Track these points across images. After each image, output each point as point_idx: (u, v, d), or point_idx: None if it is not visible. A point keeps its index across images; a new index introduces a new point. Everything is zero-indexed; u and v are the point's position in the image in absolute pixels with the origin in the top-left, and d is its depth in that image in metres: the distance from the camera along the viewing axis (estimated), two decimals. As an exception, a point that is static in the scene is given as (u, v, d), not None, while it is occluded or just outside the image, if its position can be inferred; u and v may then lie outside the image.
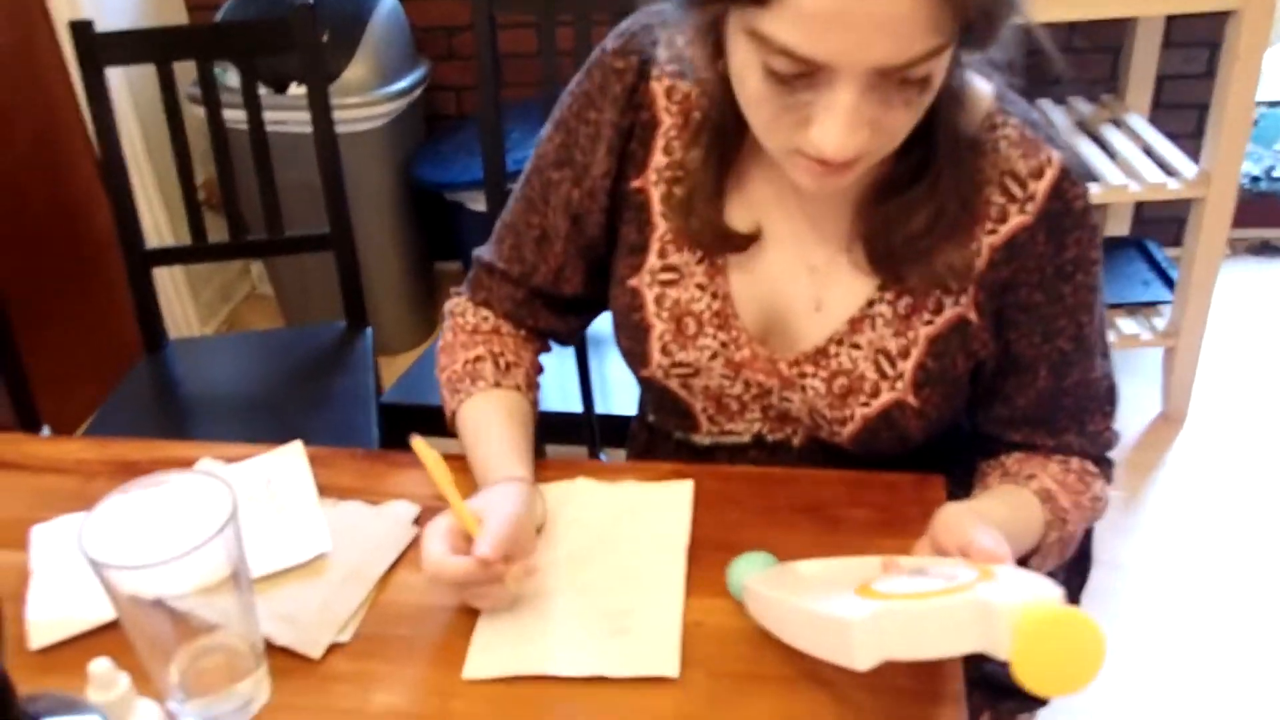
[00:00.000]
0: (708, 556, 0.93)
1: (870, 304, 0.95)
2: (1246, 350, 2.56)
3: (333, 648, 0.88)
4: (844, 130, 0.76)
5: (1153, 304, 2.37)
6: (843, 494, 1.00)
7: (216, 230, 1.81)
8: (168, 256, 1.94)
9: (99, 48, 1.64)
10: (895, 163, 0.88)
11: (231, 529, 0.76)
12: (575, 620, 0.88)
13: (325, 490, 1.04)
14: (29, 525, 1.00)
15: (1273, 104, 3.16)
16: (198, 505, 0.78)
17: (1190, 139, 2.43)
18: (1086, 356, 0.96)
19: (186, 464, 1.06)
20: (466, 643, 0.87)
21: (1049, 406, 0.98)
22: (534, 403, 1.09)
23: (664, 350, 1.01)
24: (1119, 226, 2.73)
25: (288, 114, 2.30)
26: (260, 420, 1.71)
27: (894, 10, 0.70)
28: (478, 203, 2.51)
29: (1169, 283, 2.38)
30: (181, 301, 2.76)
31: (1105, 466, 1.03)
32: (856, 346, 0.96)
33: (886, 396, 0.96)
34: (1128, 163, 2.21)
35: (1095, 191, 2.12)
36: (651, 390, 1.08)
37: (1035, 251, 0.90)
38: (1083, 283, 0.92)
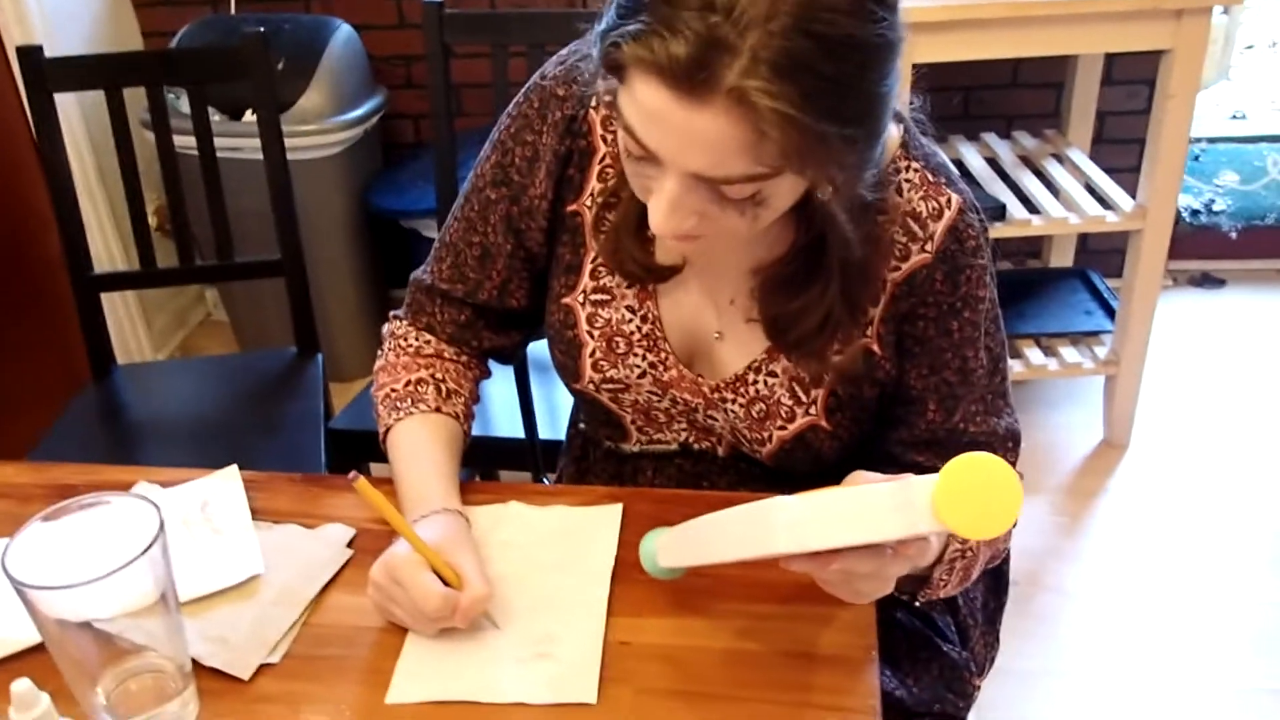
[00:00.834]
0: (632, 576, 0.94)
1: None
2: (1187, 378, 2.61)
3: (262, 669, 0.88)
4: (664, 213, 0.80)
5: (1095, 333, 2.42)
6: (773, 517, 1.02)
7: (170, 257, 1.81)
8: (116, 281, 1.94)
9: (48, 73, 1.65)
10: (786, 267, 0.92)
11: (158, 550, 0.77)
12: (499, 646, 0.89)
13: (262, 514, 1.05)
14: (-39, 548, 1.00)
15: (1213, 140, 3.25)
16: (126, 528, 0.78)
17: (1131, 173, 2.49)
18: (972, 391, 0.99)
19: (124, 488, 1.06)
20: (395, 665, 0.88)
21: (945, 438, 1.01)
22: (467, 433, 1.10)
23: (595, 366, 1.05)
24: (1063, 258, 2.78)
25: (242, 140, 2.30)
26: (207, 446, 1.71)
27: (703, 132, 0.73)
28: (433, 230, 2.52)
29: (1110, 313, 2.43)
30: (134, 327, 2.74)
31: None
32: (773, 374, 1.00)
33: (802, 421, 1.00)
34: (1069, 196, 2.26)
35: (1037, 223, 2.18)
36: (583, 401, 1.12)
37: (933, 289, 0.95)
38: (969, 319, 0.96)
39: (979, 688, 1.13)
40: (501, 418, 1.71)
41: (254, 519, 1.04)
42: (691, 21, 0.71)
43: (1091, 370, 2.35)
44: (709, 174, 0.77)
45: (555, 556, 0.98)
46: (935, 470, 1.00)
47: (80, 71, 1.72)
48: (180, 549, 0.98)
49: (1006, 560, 1.18)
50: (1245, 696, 1.82)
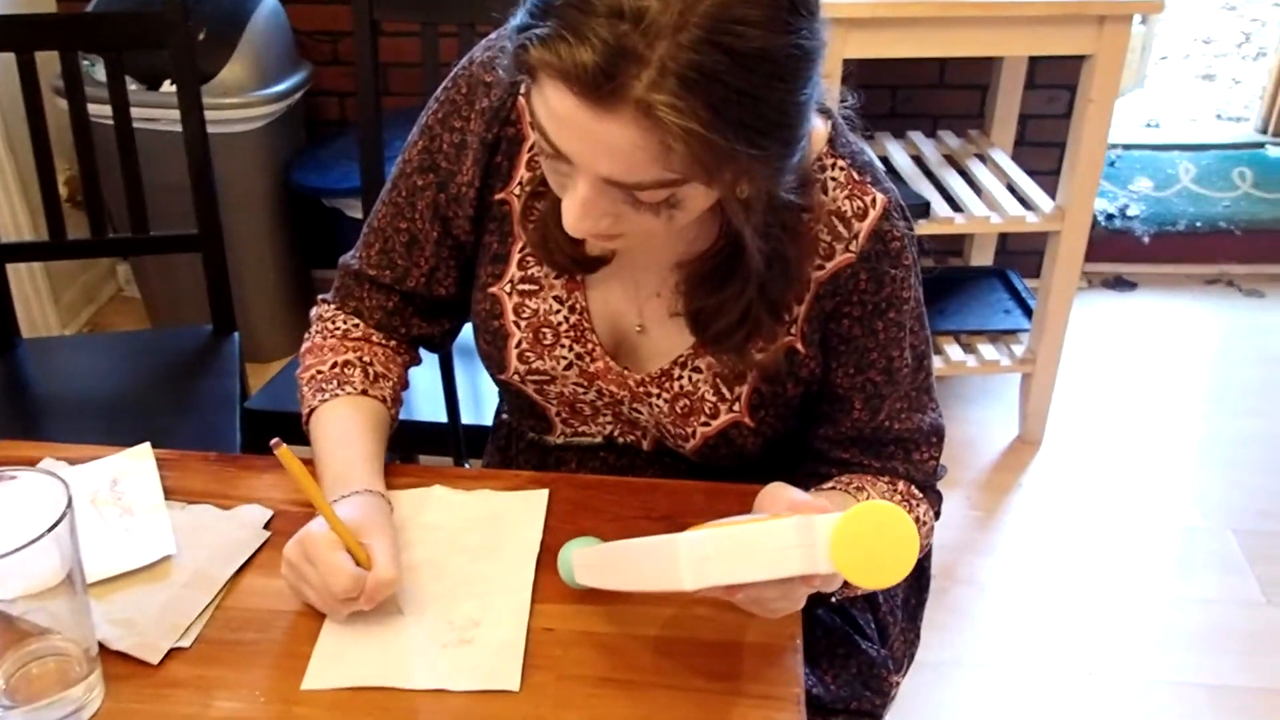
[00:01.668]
0: (556, 563, 0.93)
1: None
2: (1099, 377, 2.68)
3: (173, 653, 0.86)
4: (577, 215, 0.79)
5: (1012, 331, 2.47)
6: (698, 503, 1.02)
7: (81, 229, 1.75)
8: (22, 252, 1.87)
9: (-46, 33, 1.58)
10: (707, 264, 0.92)
11: (65, 528, 0.74)
12: (420, 631, 0.88)
13: (176, 493, 1.02)
14: None
15: (1128, 147, 3.34)
16: (31, 504, 0.75)
17: (1050, 176, 2.55)
18: (896, 390, 1.00)
19: (28, 464, 1.02)
20: (312, 649, 0.86)
21: (871, 435, 1.01)
22: (394, 418, 1.08)
23: (521, 358, 1.03)
24: (983, 257, 2.83)
25: (160, 111, 2.24)
26: (117, 424, 1.65)
27: (612, 140, 0.73)
28: (356, 210, 2.48)
29: (1028, 312, 2.48)
30: (40, 302, 2.65)
31: (932, 496, 1.06)
32: (698, 370, 1.00)
33: (725, 417, 1.00)
34: (991, 195, 2.30)
35: (959, 221, 2.21)
36: (508, 392, 1.11)
37: (857, 288, 0.95)
38: (894, 320, 0.97)
39: (898, 685, 1.14)
40: (424, 401, 1.68)
41: (167, 499, 1.01)
42: (600, 29, 0.69)
43: (1009, 367, 2.39)
44: (620, 179, 0.76)
45: (479, 541, 0.97)
46: (860, 462, 1.03)
47: (-11, 32, 1.65)
48: (88, 528, 0.95)
49: (928, 557, 1.19)
50: (1149, 688, 1.87)
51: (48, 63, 1.65)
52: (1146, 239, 3.05)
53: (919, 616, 1.20)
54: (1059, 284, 2.26)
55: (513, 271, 1.02)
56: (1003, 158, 2.50)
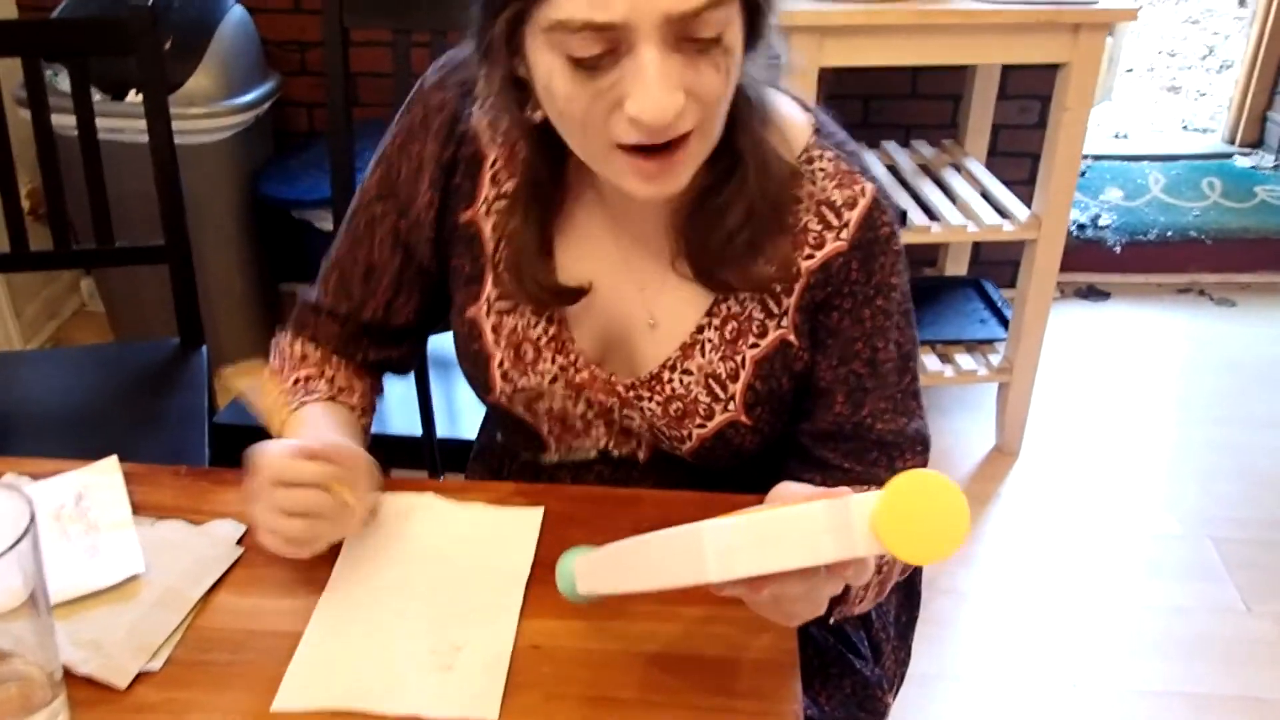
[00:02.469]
0: (547, 577, 0.90)
1: (699, 330, 0.97)
2: (1075, 387, 2.68)
3: (141, 676, 0.82)
4: (658, 89, 0.77)
5: (989, 341, 2.46)
6: (688, 514, 0.98)
7: (44, 241, 1.70)
8: (-17, 265, 1.81)
9: (-89, 39, 1.54)
10: (706, 173, 0.90)
11: (28, 546, 0.70)
12: (399, 653, 0.84)
13: (144, 509, 0.98)
14: None
15: (1098, 157, 3.36)
16: (-8, 521, 0.72)
17: (1024, 185, 2.55)
18: (881, 384, 0.98)
19: (-12, 481, 0.99)
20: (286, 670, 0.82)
21: (853, 432, 0.99)
22: (366, 429, 1.06)
23: (505, 377, 1.02)
24: (958, 267, 2.83)
25: (125, 121, 2.20)
26: (83, 439, 1.61)
27: None
28: (325, 221, 2.44)
29: (1004, 321, 2.48)
30: (1, 317, 2.59)
31: None
32: (688, 372, 0.98)
33: (720, 418, 0.98)
34: (966, 204, 2.30)
35: (935, 230, 2.21)
36: (498, 414, 1.08)
37: (849, 277, 0.94)
38: (881, 307, 0.95)
39: (890, 705, 1.11)
40: (398, 414, 1.65)
41: (135, 514, 0.97)
42: None
43: (986, 377, 2.39)
44: (682, 7, 0.74)
45: (468, 561, 0.93)
46: (841, 465, 1.00)
47: (-52, 38, 1.60)
48: (53, 546, 0.91)
49: (919, 573, 1.17)
50: (1132, 698, 1.86)
51: (10, 72, 1.61)
52: (1118, 249, 3.07)
53: (910, 634, 1.18)
54: (1035, 293, 2.26)
55: (488, 291, 1.01)
56: (977, 167, 2.50)
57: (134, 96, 2.28)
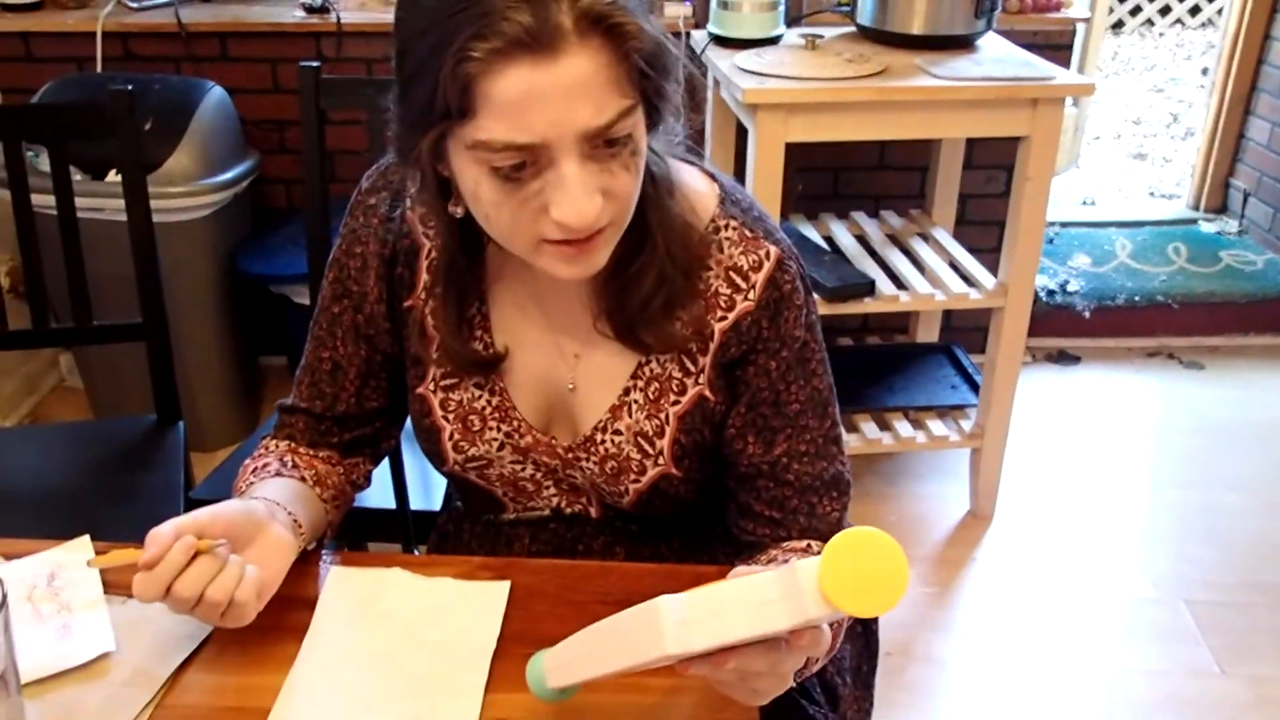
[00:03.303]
0: (512, 650, 0.92)
1: (626, 392, 1.04)
2: (1047, 451, 2.71)
3: (110, 755, 0.83)
4: (580, 196, 0.83)
5: (960, 407, 2.49)
6: (653, 586, 1.00)
7: (22, 319, 1.72)
8: (-38, 344, 1.82)
9: (-105, 124, 1.57)
10: (621, 244, 0.95)
11: (-1, 626, 0.71)
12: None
13: (115, 587, 0.99)
14: None
15: (1066, 224, 3.43)
16: (-37, 602, 0.73)
17: (992, 253, 2.60)
18: (792, 426, 1.03)
19: (-39, 561, 0.99)
20: (257, 746, 0.83)
21: (768, 470, 1.03)
22: (329, 514, 1.10)
23: (456, 448, 1.08)
24: (929, 334, 2.87)
25: (105, 201, 2.22)
26: (58, 516, 1.61)
27: (578, 76, 0.80)
28: (303, 295, 2.47)
29: (975, 387, 2.51)
30: (-21, 393, 2.60)
31: None
32: (619, 431, 1.04)
33: (653, 472, 1.04)
34: (934, 273, 2.34)
35: (904, 299, 2.25)
36: (455, 482, 1.16)
37: (759, 334, 1.00)
38: (785, 357, 1.01)
39: (856, 756, 1.12)
40: (373, 488, 1.65)
41: (106, 593, 0.98)
42: None
43: (958, 443, 2.41)
44: (596, 122, 0.81)
45: (436, 634, 0.94)
46: (764, 514, 1.04)
47: (-69, 123, 1.63)
48: (24, 626, 0.92)
49: (875, 621, 1.20)
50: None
51: (-10, 154, 1.64)
52: (1087, 314, 3.12)
53: (872, 683, 1.20)
54: (1004, 359, 2.30)
55: (432, 371, 1.08)
56: (944, 236, 2.55)
57: (114, 176, 2.31)
